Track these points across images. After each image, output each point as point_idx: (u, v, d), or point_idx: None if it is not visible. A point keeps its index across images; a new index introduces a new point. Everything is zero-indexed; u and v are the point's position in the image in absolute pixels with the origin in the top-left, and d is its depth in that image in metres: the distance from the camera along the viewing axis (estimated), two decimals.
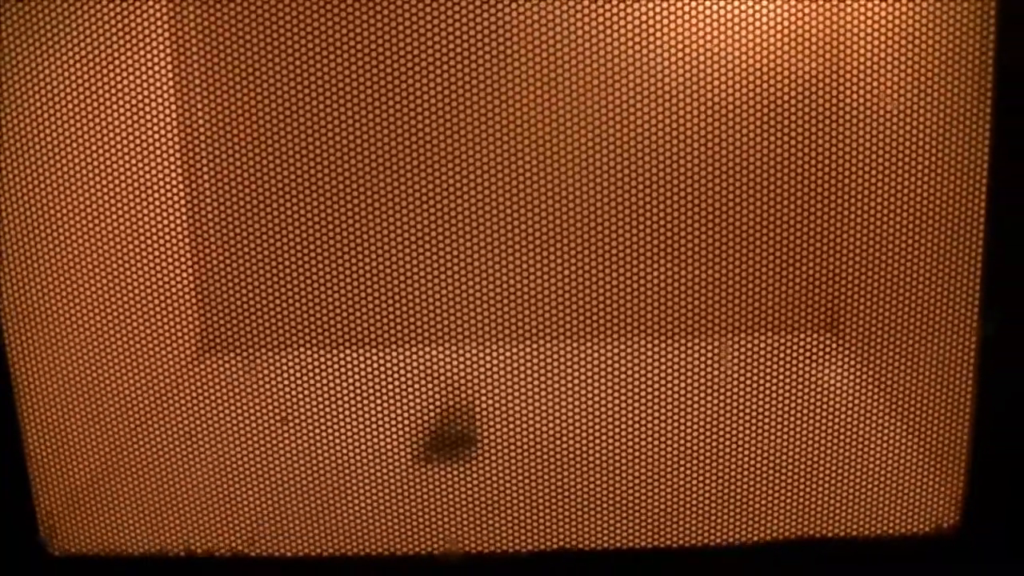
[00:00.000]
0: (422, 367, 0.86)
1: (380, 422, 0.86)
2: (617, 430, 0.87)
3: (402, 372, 0.85)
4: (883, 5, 0.80)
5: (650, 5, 0.82)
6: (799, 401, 0.85)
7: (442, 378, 0.87)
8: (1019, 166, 0.75)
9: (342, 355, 0.86)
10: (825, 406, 0.86)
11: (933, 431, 0.87)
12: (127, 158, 0.88)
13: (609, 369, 0.86)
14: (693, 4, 0.80)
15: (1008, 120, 0.75)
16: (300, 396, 0.87)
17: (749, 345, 0.87)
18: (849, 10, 0.81)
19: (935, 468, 0.87)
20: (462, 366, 0.86)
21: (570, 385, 0.85)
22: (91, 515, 0.87)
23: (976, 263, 0.78)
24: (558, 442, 0.88)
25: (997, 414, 0.79)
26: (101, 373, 0.93)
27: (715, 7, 0.80)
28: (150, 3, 0.87)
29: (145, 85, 0.90)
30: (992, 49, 0.75)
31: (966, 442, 0.80)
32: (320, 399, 0.86)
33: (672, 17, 0.81)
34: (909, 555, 0.83)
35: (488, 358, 0.86)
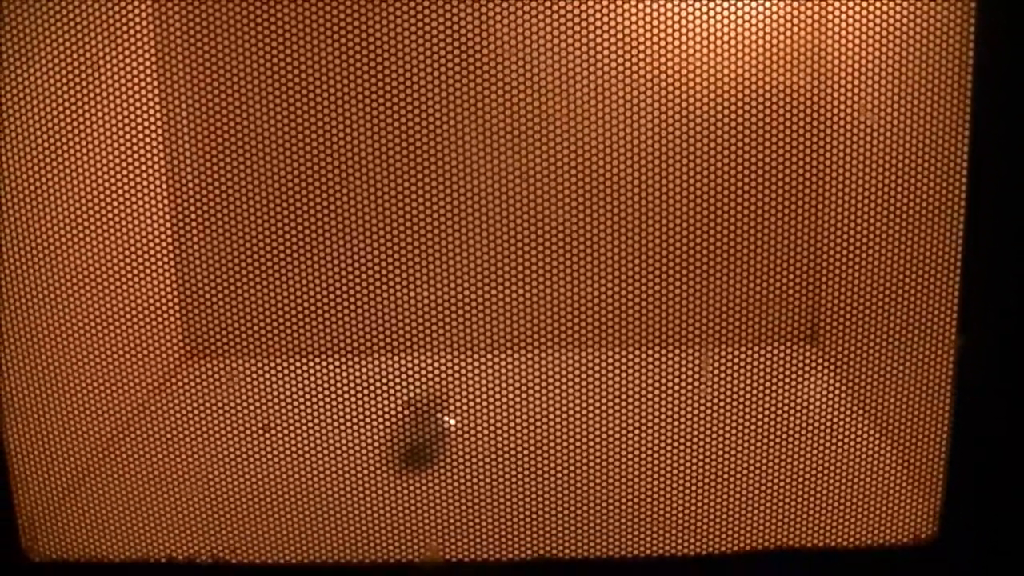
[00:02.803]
0: (403, 376, 0.86)
1: (361, 430, 0.86)
2: (596, 441, 0.87)
3: (384, 381, 0.85)
4: (859, 11, 0.80)
5: (617, 15, 0.82)
6: (779, 412, 0.86)
7: (422, 386, 0.87)
8: (997, 181, 0.76)
9: (325, 363, 0.86)
10: (805, 418, 0.86)
11: (911, 443, 0.87)
12: (110, 164, 0.88)
13: (588, 380, 0.86)
14: (664, 9, 0.81)
15: (986, 134, 0.75)
16: (282, 404, 0.87)
17: (729, 356, 0.87)
18: (824, 19, 0.82)
19: (913, 479, 0.87)
20: (443, 374, 0.86)
21: (550, 395, 0.86)
22: (72, 521, 0.87)
23: (954, 276, 0.79)
24: (540, 452, 0.88)
25: (974, 426, 0.80)
26: (83, 380, 0.93)
27: (687, 11, 0.80)
28: (134, 3, 0.87)
29: (128, 89, 0.90)
30: (971, 60, 0.75)
31: (944, 454, 0.81)
32: (302, 407, 0.86)
33: (646, 26, 0.81)
34: (887, 566, 0.83)
35: (468, 367, 0.86)
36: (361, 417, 0.86)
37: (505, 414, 0.85)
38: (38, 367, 0.88)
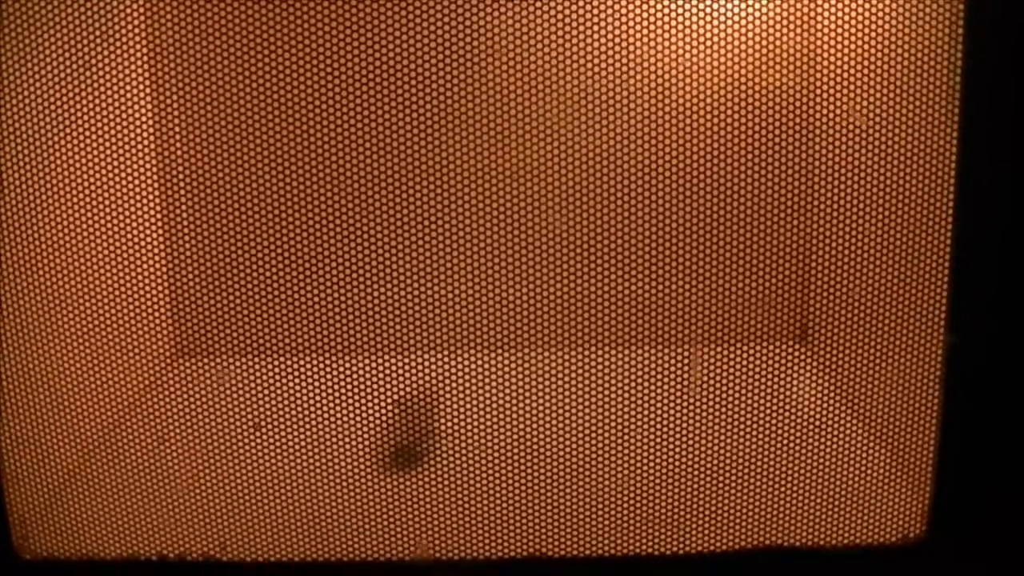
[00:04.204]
0: (393, 375, 0.86)
1: (351, 429, 0.86)
2: (587, 439, 0.87)
3: (374, 380, 0.85)
4: (850, 11, 0.80)
5: (609, 14, 0.82)
6: (769, 411, 0.86)
7: (411, 385, 0.88)
8: (985, 181, 0.76)
9: (315, 362, 0.86)
10: (794, 417, 0.87)
11: (900, 442, 0.87)
12: (101, 164, 0.88)
13: (579, 378, 0.86)
14: (655, 10, 0.81)
15: (975, 133, 0.76)
16: (272, 403, 0.87)
17: (720, 355, 0.87)
18: (814, 22, 0.82)
19: (902, 478, 0.87)
20: (433, 374, 0.86)
21: (541, 394, 0.86)
22: (64, 519, 0.87)
23: (944, 276, 0.79)
24: (531, 450, 0.88)
25: (963, 425, 0.80)
26: (74, 378, 0.93)
27: (677, 14, 0.80)
28: (127, 5, 0.87)
29: (120, 89, 0.90)
30: (960, 61, 0.75)
31: (932, 452, 0.81)
32: (292, 406, 0.86)
33: (638, 26, 0.81)
34: (876, 565, 0.84)
35: (458, 367, 0.86)
36: (351, 416, 0.86)
37: (495, 413, 0.86)
38: (29, 366, 0.88)
